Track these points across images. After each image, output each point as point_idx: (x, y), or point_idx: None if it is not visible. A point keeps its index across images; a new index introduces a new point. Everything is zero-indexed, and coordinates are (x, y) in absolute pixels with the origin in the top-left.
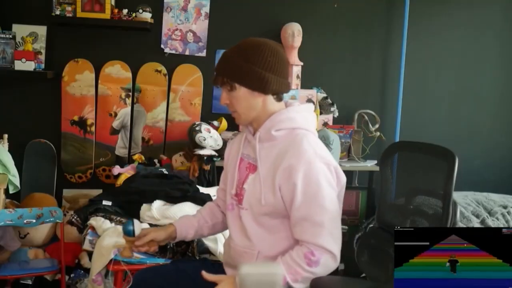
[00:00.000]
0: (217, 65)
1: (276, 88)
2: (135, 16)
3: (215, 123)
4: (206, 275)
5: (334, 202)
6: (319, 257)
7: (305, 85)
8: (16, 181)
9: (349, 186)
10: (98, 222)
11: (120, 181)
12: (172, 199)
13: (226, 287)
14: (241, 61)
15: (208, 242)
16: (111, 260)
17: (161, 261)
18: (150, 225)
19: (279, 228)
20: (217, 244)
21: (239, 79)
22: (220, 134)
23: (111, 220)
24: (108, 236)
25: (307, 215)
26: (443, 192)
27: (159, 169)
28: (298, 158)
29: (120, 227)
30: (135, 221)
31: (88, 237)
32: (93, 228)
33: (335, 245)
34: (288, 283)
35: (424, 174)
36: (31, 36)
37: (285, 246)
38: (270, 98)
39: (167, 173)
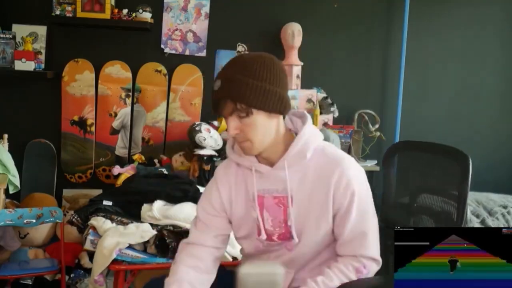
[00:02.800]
0: (220, 90)
1: (289, 107)
2: (135, 16)
3: (215, 123)
4: None
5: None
6: (369, 269)
7: (305, 85)
8: (16, 181)
9: None
10: (99, 222)
11: (120, 181)
12: (173, 199)
13: None
14: (253, 80)
15: None
16: (112, 261)
17: (162, 260)
18: (151, 225)
19: (322, 254)
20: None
21: (259, 103)
22: (220, 134)
23: (112, 220)
24: (109, 237)
25: (361, 229)
26: (457, 192)
27: (159, 169)
28: (347, 176)
29: (121, 227)
30: None
31: (90, 237)
32: (94, 228)
33: (378, 252)
34: None
35: (430, 173)
36: (31, 36)
37: (319, 271)
38: (281, 119)
39: (167, 173)
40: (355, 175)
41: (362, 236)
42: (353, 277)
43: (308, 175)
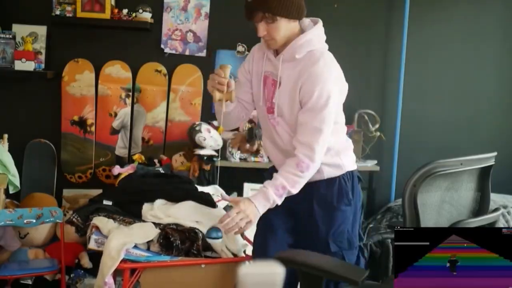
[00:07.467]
0: (252, 2)
1: (304, 13)
2: (135, 16)
3: (215, 123)
4: (227, 198)
5: (331, 119)
6: (309, 164)
7: None
8: (16, 181)
9: None
10: (102, 221)
11: None
12: (173, 198)
13: (246, 204)
14: None
15: (211, 240)
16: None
17: (166, 258)
18: (154, 223)
19: None
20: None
21: (282, 12)
22: (220, 134)
23: (114, 219)
24: (114, 238)
25: (310, 121)
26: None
27: (156, 169)
28: (317, 75)
29: (124, 227)
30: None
31: (94, 236)
32: (96, 228)
33: (322, 153)
34: (290, 191)
35: None
36: (31, 36)
37: None
38: (297, 21)
39: (163, 172)
40: (322, 79)
41: (303, 125)
42: (297, 171)
43: (295, 71)
